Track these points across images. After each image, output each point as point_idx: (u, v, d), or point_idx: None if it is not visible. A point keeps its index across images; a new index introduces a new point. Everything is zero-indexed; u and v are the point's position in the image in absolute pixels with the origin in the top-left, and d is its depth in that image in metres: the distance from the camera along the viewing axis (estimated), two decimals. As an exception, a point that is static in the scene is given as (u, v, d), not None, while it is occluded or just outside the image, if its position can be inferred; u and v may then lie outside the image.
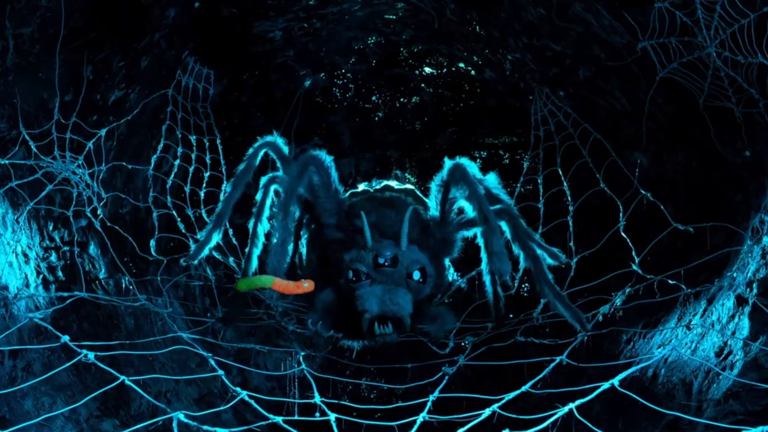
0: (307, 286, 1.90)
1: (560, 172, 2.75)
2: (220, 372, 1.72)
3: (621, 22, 2.22)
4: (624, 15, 2.13)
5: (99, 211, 2.27)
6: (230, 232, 2.81)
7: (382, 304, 1.83)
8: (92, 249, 2.73)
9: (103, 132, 2.37)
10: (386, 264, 1.92)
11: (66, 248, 2.56)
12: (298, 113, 3.61)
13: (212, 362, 1.78)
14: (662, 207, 2.28)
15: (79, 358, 1.60)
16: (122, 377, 1.54)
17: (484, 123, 3.73)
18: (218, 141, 2.91)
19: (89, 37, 2.37)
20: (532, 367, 1.77)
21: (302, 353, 2.13)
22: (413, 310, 1.91)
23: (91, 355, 1.67)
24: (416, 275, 1.96)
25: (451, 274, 3.24)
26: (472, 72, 3.49)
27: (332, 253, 2.11)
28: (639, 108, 2.57)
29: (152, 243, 2.41)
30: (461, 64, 3.48)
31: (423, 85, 3.69)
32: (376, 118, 3.84)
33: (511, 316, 2.55)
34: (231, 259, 2.76)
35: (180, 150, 2.70)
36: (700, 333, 2.13)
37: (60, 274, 2.54)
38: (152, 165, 2.58)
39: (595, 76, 2.63)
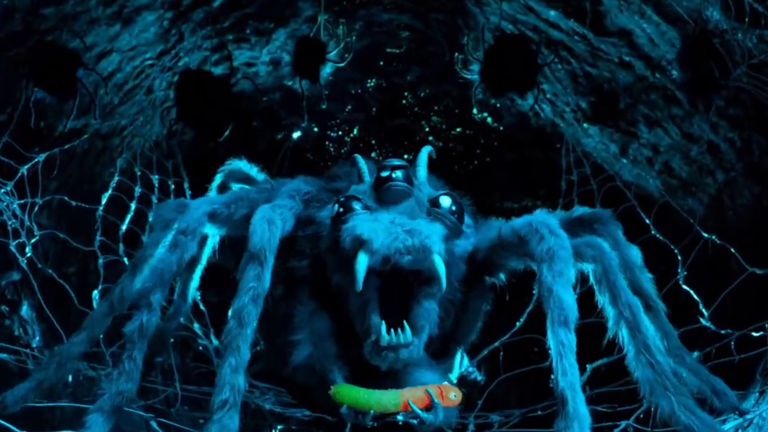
0: (454, 397, 1.27)
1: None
2: (164, 436, 1.43)
3: (672, 23, 2.02)
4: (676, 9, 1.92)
5: (27, 249, 1.98)
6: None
7: (391, 237, 1.18)
8: (25, 310, 2.44)
9: (41, 157, 2.12)
10: (394, 178, 1.27)
11: (-9, 306, 2.29)
12: (285, 170, 3.39)
13: (154, 424, 1.50)
14: (732, 250, 2.04)
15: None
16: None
17: (502, 183, 3.50)
18: (186, 185, 2.66)
19: (31, 47, 2.17)
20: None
21: (280, 426, 1.81)
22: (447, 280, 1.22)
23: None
24: (445, 202, 1.30)
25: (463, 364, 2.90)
26: (488, 119, 3.30)
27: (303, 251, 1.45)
28: (693, 139, 2.36)
29: (95, 294, 2.11)
30: (475, 110, 3.29)
31: (431, 138, 3.49)
32: (377, 179, 3.61)
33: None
34: (196, 325, 2.46)
35: (138, 190, 2.44)
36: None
37: (-21, 337, 2.26)
38: (102, 205, 2.31)
39: (638, 102, 2.42)
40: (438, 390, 1.24)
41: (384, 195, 1.28)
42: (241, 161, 1.94)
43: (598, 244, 1.31)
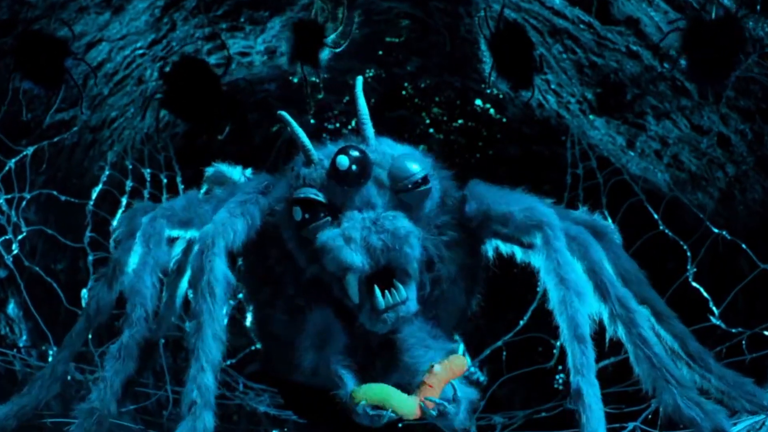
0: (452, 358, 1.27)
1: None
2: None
3: (681, 11, 2.03)
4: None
5: (14, 246, 1.99)
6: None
7: (368, 244, 1.22)
8: (11, 309, 2.45)
9: (29, 150, 2.12)
10: (352, 169, 1.24)
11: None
12: (280, 165, 3.38)
13: (144, 435, 1.51)
14: (744, 246, 2.05)
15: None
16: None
17: (505, 176, 3.49)
18: (179, 179, 2.66)
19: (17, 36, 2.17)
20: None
21: (275, 431, 1.82)
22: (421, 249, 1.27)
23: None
24: (407, 169, 1.29)
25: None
26: (491, 110, 3.30)
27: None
28: (702, 131, 2.36)
29: (84, 293, 2.12)
30: (478, 101, 3.29)
31: (431, 130, 3.49)
32: (375, 172, 3.62)
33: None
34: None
35: (129, 184, 2.45)
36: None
37: (-36, 335, 2.27)
38: (92, 200, 2.32)
39: (645, 93, 2.42)
40: (449, 369, 1.23)
41: (346, 188, 1.28)
42: (221, 164, 1.93)
43: (583, 240, 1.31)
